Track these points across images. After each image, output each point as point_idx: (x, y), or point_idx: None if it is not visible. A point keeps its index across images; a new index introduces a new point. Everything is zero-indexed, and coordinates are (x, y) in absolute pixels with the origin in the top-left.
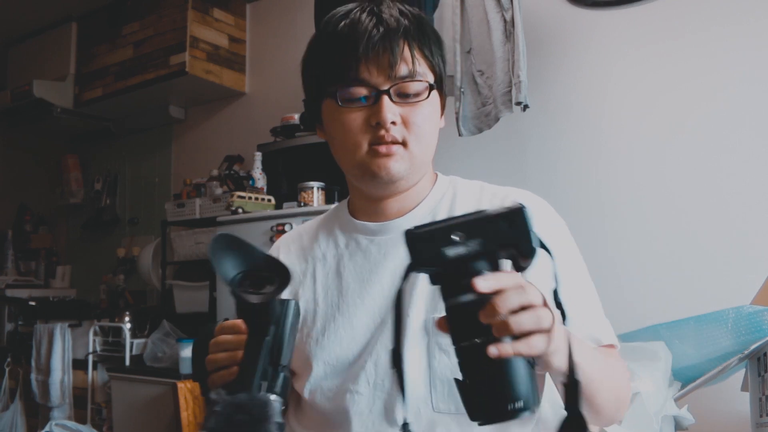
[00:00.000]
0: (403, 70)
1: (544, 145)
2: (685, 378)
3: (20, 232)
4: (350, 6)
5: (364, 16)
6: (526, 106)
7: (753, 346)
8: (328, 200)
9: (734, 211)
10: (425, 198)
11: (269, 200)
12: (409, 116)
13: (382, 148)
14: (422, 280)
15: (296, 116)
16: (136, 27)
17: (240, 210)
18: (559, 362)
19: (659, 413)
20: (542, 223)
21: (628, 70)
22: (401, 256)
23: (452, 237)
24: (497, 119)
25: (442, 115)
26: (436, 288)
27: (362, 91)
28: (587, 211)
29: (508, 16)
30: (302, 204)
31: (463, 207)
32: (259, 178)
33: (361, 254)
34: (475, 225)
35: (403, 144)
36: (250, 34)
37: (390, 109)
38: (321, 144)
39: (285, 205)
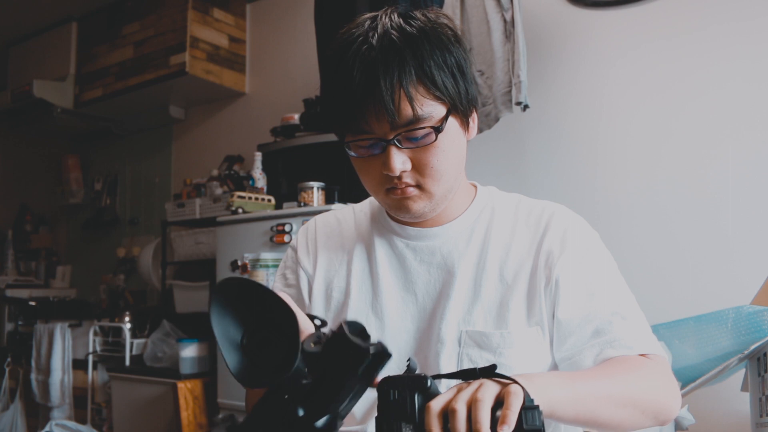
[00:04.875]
0: (405, 115)
1: (543, 145)
2: (685, 378)
3: (20, 232)
4: (354, 30)
5: (361, 47)
6: (526, 106)
7: (753, 346)
8: (328, 200)
9: (734, 211)
10: (464, 212)
11: (269, 200)
12: (421, 159)
13: (398, 193)
14: (456, 293)
15: (296, 116)
16: (136, 27)
17: (240, 210)
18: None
19: None
20: (574, 236)
21: (628, 69)
22: (436, 264)
23: None
24: (497, 119)
25: (468, 130)
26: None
27: (369, 141)
28: (587, 210)
29: (508, 16)
30: (302, 204)
31: (501, 225)
32: (259, 178)
33: (397, 259)
34: None
35: (418, 187)
36: (250, 34)
37: (398, 159)
38: (321, 144)
39: (285, 205)
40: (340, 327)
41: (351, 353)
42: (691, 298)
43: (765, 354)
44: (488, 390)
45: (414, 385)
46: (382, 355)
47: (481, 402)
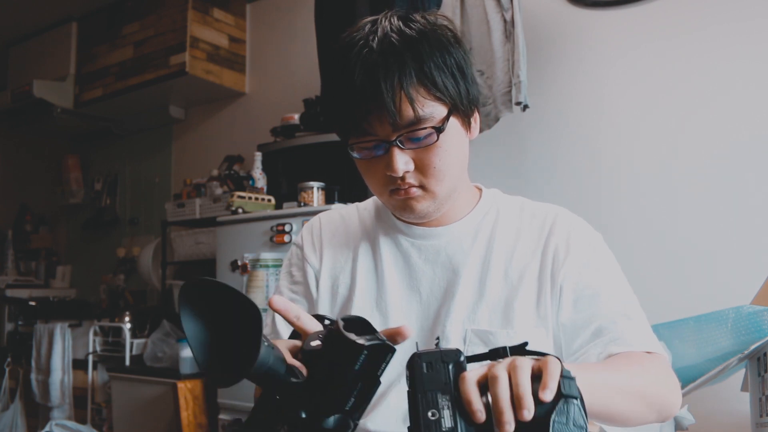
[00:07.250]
0: (407, 116)
1: (543, 144)
2: (685, 378)
3: (20, 232)
4: (355, 34)
5: (362, 50)
6: (526, 106)
7: (753, 346)
8: (328, 200)
9: (734, 211)
10: (470, 212)
11: (269, 200)
12: (423, 159)
13: (401, 194)
14: (461, 292)
15: (296, 116)
16: (136, 27)
17: (240, 210)
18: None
19: None
20: (578, 240)
21: (628, 69)
22: (441, 263)
23: None
24: (497, 119)
25: (470, 130)
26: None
27: (372, 143)
28: (587, 210)
29: (508, 16)
30: (302, 204)
31: (506, 227)
32: (259, 178)
33: (402, 257)
34: None
35: (422, 187)
36: (250, 34)
37: (400, 160)
38: (321, 144)
39: (285, 205)
40: (336, 323)
41: (345, 349)
42: (691, 298)
43: (765, 354)
44: (526, 360)
45: (448, 357)
46: (383, 348)
47: (521, 369)
